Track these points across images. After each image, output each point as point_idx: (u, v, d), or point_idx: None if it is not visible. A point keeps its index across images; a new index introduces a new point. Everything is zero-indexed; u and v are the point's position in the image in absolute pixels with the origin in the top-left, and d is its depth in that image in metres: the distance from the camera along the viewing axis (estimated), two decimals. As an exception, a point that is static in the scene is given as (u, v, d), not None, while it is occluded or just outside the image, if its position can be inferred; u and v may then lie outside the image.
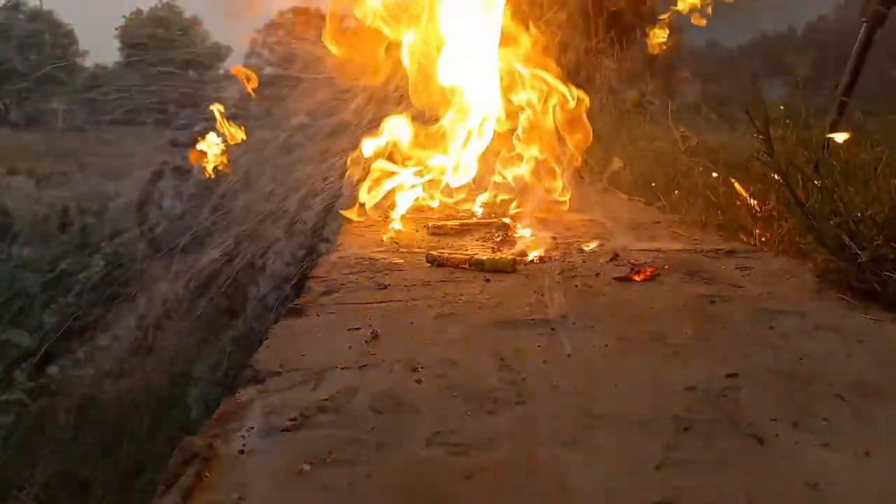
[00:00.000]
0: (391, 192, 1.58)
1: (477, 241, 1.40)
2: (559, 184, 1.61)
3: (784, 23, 4.61)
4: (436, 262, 1.19)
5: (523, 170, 1.61)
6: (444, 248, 1.29)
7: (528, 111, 1.57)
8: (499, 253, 1.22)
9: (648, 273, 1.08)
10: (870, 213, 0.94)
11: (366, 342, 0.83)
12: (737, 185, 1.42)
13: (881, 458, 0.54)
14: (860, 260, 0.93)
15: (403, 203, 1.56)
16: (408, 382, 0.71)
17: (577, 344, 0.81)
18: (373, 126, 1.62)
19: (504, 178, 1.66)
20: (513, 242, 1.35)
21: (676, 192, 1.79)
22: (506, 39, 1.54)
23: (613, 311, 0.92)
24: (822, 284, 0.99)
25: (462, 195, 1.68)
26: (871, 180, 1.05)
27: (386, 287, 1.07)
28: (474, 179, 1.65)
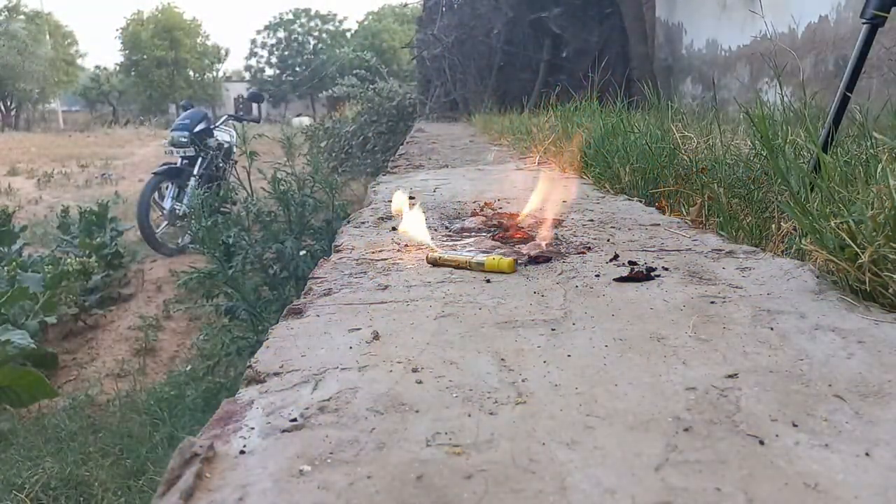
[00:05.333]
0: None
1: (477, 241, 1.40)
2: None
3: (784, 23, 4.61)
4: (436, 263, 1.20)
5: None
6: (444, 249, 1.29)
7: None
8: (499, 255, 1.22)
9: (647, 273, 1.08)
10: (870, 213, 0.94)
11: (366, 343, 0.83)
12: None
13: (881, 458, 0.54)
14: (860, 260, 0.93)
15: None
16: (408, 383, 0.71)
17: (578, 344, 0.81)
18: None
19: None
20: (513, 244, 1.35)
21: (672, 192, 1.79)
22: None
23: (613, 312, 0.92)
24: (822, 284, 0.99)
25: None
26: (871, 180, 1.05)
27: (386, 288, 1.07)
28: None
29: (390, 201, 1.92)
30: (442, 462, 0.55)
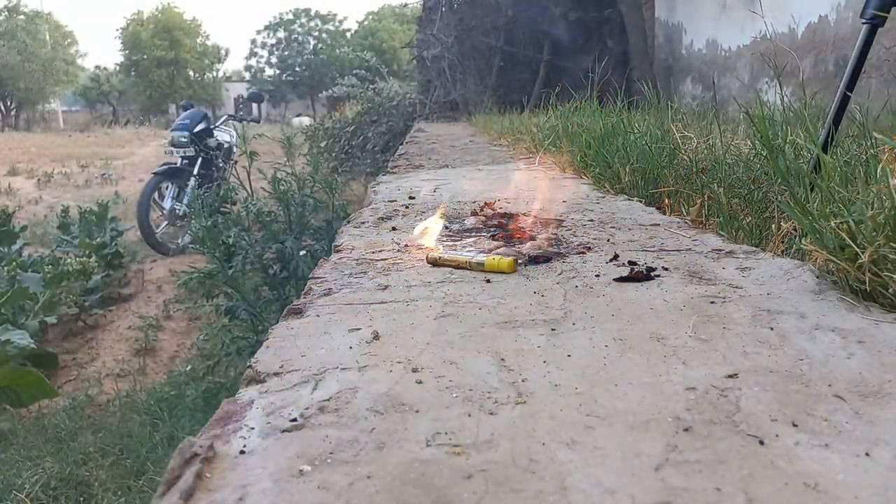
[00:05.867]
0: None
1: (477, 241, 1.40)
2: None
3: (784, 23, 4.61)
4: (436, 263, 1.20)
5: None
6: (444, 249, 1.29)
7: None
8: (499, 255, 1.22)
9: (647, 273, 1.08)
10: (870, 213, 0.94)
11: (366, 343, 0.83)
12: None
13: (881, 458, 0.54)
14: (860, 260, 0.93)
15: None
16: (408, 383, 0.71)
17: (578, 344, 0.81)
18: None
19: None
20: (513, 244, 1.35)
21: (671, 192, 1.79)
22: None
23: (613, 312, 0.92)
24: (822, 284, 0.99)
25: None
26: (871, 180, 1.04)
27: (386, 288, 1.07)
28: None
29: (391, 201, 1.93)
30: (442, 462, 0.55)
